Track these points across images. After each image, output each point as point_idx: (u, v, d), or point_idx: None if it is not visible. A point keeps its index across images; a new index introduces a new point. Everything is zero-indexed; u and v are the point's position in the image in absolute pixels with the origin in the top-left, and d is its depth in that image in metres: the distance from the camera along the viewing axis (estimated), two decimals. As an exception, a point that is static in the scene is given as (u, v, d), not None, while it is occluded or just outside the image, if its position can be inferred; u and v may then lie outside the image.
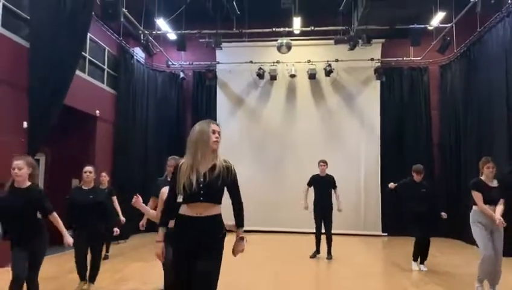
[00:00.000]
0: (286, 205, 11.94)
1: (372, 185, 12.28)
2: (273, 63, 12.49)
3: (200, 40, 11.95)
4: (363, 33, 10.60)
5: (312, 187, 8.27)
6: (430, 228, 7.14)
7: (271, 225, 12.01)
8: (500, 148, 8.79)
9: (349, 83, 12.82)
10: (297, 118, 12.85)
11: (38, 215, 4.21)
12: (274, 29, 11.30)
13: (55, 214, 4.19)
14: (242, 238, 3.08)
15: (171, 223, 3.07)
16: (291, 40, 11.17)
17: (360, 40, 10.79)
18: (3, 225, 4.13)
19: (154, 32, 11.04)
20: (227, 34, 11.25)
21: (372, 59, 12.31)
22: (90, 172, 5.43)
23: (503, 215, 5.13)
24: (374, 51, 12.21)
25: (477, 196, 5.22)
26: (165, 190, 4.05)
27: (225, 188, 3.03)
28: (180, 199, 2.98)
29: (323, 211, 8.02)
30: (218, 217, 3.00)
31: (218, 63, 13.01)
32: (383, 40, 12.44)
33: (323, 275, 7.18)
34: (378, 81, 12.37)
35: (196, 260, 2.88)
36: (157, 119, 12.84)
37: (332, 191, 8.17)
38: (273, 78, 12.55)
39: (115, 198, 7.19)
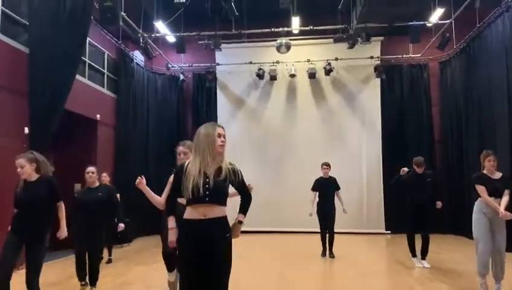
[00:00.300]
0: (287, 205, 11.96)
1: (375, 182, 12.27)
2: (273, 63, 12.48)
3: (199, 42, 11.97)
4: (362, 31, 10.59)
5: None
6: (430, 223, 7.11)
7: (272, 225, 12.00)
8: (501, 143, 8.77)
9: (349, 81, 12.81)
10: (298, 118, 12.84)
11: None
12: (273, 29, 11.30)
13: (62, 203, 4.28)
14: (241, 222, 3.11)
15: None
16: (290, 39, 11.17)
17: (359, 39, 10.79)
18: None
19: (153, 35, 11.05)
20: (226, 35, 11.25)
21: (371, 57, 12.30)
22: (92, 172, 5.49)
23: (509, 208, 5.10)
24: (374, 48, 12.19)
25: (480, 189, 5.20)
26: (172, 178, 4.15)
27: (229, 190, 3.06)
28: (183, 201, 3.00)
29: (326, 211, 8.09)
30: (224, 219, 3.01)
31: (218, 64, 13.01)
32: (382, 38, 12.43)
33: (327, 275, 7.16)
34: (378, 79, 12.36)
35: (207, 262, 2.89)
36: (158, 122, 12.85)
37: (336, 193, 8.27)
38: (273, 78, 12.54)
39: (118, 196, 7.19)
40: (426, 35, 11.23)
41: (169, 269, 4.55)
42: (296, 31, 11.43)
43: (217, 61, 12.98)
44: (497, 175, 5.29)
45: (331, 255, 8.08)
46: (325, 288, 6.27)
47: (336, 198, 8.26)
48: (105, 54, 10.73)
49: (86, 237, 5.23)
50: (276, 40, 11.17)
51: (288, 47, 11.07)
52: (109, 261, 7.77)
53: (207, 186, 2.91)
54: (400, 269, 7.06)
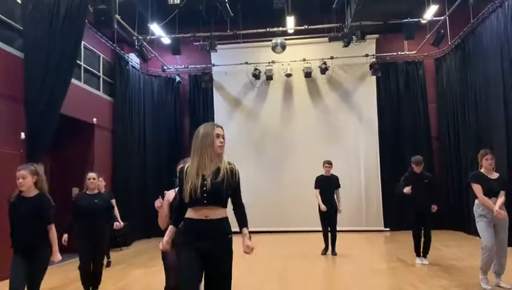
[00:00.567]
0: (286, 205, 11.99)
1: (372, 180, 12.30)
2: (269, 63, 12.48)
3: (195, 43, 11.95)
4: (357, 29, 10.60)
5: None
6: (431, 221, 7.13)
7: (271, 225, 11.98)
8: (498, 138, 8.80)
9: (345, 79, 12.84)
10: (295, 117, 12.86)
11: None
12: (268, 29, 11.30)
13: (53, 227, 4.19)
14: (249, 236, 3.04)
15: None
16: (286, 39, 11.17)
17: (354, 37, 10.79)
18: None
19: (148, 37, 11.02)
20: (222, 36, 11.24)
21: (367, 55, 12.32)
22: (94, 178, 5.53)
23: (507, 207, 5.12)
24: (369, 46, 12.20)
25: (476, 188, 5.22)
26: (170, 193, 4.14)
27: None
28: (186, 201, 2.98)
29: (328, 210, 8.11)
30: (224, 220, 2.99)
31: (214, 65, 13.00)
32: (377, 36, 12.46)
33: (328, 274, 7.16)
34: (374, 77, 12.38)
35: (209, 263, 2.88)
36: (155, 124, 12.82)
37: (335, 191, 8.29)
38: (269, 78, 12.55)
39: (113, 201, 7.17)
40: (421, 32, 11.25)
41: None
42: (291, 31, 11.43)
43: (212, 62, 12.97)
44: (494, 175, 5.31)
45: (334, 253, 8.17)
46: (326, 287, 6.27)
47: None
48: (101, 57, 10.70)
49: (89, 247, 5.23)
50: (271, 40, 11.18)
51: (283, 47, 11.07)
52: (108, 264, 7.75)
53: (204, 188, 2.89)
54: (400, 266, 7.07)
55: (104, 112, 10.66)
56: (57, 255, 4.20)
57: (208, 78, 12.80)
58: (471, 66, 10.43)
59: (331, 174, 8.35)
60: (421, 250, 7.14)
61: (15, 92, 7.25)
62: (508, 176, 7.62)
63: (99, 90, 10.59)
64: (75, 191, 8.70)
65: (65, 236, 5.28)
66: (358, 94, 12.74)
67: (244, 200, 3.12)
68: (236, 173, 3.03)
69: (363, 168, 12.43)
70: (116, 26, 8.97)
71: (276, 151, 12.63)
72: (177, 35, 11.11)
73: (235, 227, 3.02)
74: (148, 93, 12.81)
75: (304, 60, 12.40)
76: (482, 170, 5.34)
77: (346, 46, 11.13)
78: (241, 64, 12.63)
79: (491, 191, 5.16)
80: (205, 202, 2.89)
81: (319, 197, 8.24)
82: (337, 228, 8.38)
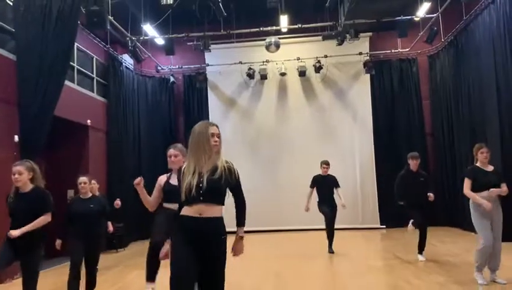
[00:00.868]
0: (281, 203, 11.99)
1: (368, 178, 12.33)
2: (263, 62, 12.47)
3: (188, 44, 11.93)
4: (351, 28, 10.63)
5: (315, 188, 8.34)
6: (427, 218, 7.16)
7: (266, 223, 11.95)
8: (492, 131, 8.86)
9: (340, 78, 12.86)
10: (289, 116, 12.86)
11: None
12: (261, 28, 11.29)
13: (48, 217, 4.16)
14: (242, 238, 3.07)
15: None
16: (279, 38, 11.17)
17: (347, 35, 10.83)
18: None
19: (141, 38, 10.98)
20: (215, 35, 11.23)
21: (360, 53, 12.32)
22: (85, 183, 5.32)
23: (502, 202, 5.14)
24: (362, 44, 12.22)
25: (466, 183, 5.25)
26: (162, 177, 4.37)
27: (227, 190, 3.02)
28: (171, 206, 2.99)
29: (326, 209, 8.13)
30: (219, 219, 2.96)
31: (208, 65, 12.98)
32: (370, 34, 12.49)
33: (325, 272, 7.16)
34: (368, 75, 12.40)
35: (201, 261, 2.85)
36: (150, 125, 12.78)
37: (335, 190, 8.30)
38: (264, 77, 12.54)
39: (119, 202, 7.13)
40: (414, 30, 11.30)
41: (150, 277, 4.50)
42: (284, 30, 11.43)
43: (206, 62, 12.94)
44: (490, 168, 5.34)
45: (330, 251, 8.17)
46: (323, 285, 6.27)
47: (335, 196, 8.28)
48: (94, 59, 10.65)
49: (81, 248, 5.13)
50: (265, 40, 11.17)
51: (277, 46, 11.08)
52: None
53: (201, 185, 2.87)
54: (396, 263, 7.10)
55: (98, 114, 10.61)
56: (15, 232, 4.00)
57: (202, 78, 12.78)
58: (464, 62, 10.48)
59: (328, 174, 8.36)
60: (415, 245, 7.17)
61: (8, 94, 7.19)
62: (502, 168, 7.67)
63: (93, 91, 10.54)
64: (70, 193, 8.65)
65: (58, 241, 5.18)
66: (353, 92, 12.77)
67: None
68: (235, 171, 3.02)
69: (358, 165, 12.46)
70: (109, 27, 8.95)
71: (271, 151, 12.63)
72: (170, 36, 11.08)
73: (231, 227, 3.00)
74: (142, 94, 12.76)
75: (298, 58, 12.41)
76: (478, 164, 5.36)
77: (339, 44, 11.15)
78: (235, 63, 12.61)
79: (489, 184, 5.17)
80: (201, 198, 2.87)
81: (310, 197, 8.25)
82: (335, 226, 8.38)
